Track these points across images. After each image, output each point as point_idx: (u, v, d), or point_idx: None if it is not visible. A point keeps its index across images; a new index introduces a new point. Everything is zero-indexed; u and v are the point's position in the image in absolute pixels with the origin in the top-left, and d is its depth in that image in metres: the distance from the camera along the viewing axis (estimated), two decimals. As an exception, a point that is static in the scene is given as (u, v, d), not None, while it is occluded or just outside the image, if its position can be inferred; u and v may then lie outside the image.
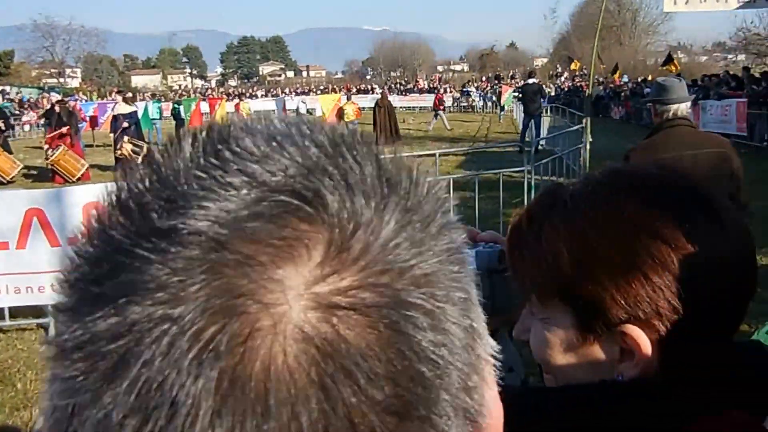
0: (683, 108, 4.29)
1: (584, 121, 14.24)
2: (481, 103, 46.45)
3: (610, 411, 0.74)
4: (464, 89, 54.04)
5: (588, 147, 13.30)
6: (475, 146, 20.68)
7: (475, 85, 60.33)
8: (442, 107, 32.94)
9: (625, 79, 40.44)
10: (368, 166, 0.41)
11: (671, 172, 0.84)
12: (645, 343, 0.75)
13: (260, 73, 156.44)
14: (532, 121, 20.15)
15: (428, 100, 55.02)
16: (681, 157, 3.98)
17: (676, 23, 74.29)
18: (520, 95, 23.27)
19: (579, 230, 0.79)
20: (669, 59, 24.94)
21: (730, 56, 57.48)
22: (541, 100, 20.85)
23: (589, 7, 68.32)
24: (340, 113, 25.28)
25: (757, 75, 21.38)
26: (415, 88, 71.11)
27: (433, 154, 10.15)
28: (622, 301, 0.75)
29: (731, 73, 25.71)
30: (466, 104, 47.94)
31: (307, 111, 29.81)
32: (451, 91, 55.58)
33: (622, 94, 34.93)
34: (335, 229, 0.37)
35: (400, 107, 46.22)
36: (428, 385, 0.37)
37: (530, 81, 21.72)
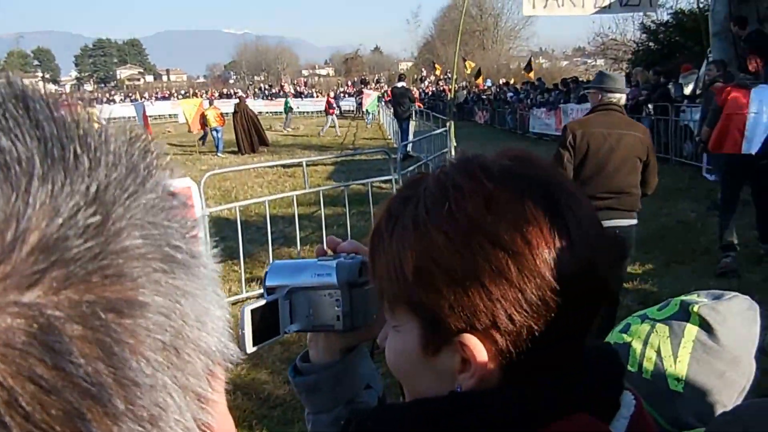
0: (621, 97, 4.94)
1: (448, 125, 14.38)
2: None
3: (454, 425, 0.72)
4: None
5: (453, 151, 13.43)
6: (343, 153, 20.45)
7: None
8: (333, 111, 32.11)
9: (489, 83, 41.56)
10: (29, 141, 0.35)
11: (526, 164, 0.77)
12: (481, 355, 0.72)
13: (118, 77, 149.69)
14: (403, 124, 20.13)
15: (295, 105, 54.53)
16: (609, 134, 4.67)
17: (537, 28, 77.88)
18: (390, 99, 23.32)
19: (423, 231, 0.74)
20: (529, 66, 25.80)
21: (589, 61, 60.53)
22: (410, 104, 20.80)
23: (451, 11, 70.23)
24: (203, 119, 24.27)
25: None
26: (280, 93, 70.25)
27: (300, 164, 9.78)
28: (460, 311, 0.72)
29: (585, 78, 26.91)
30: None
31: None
32: (318, 96, 55.06)
33: (486, 98, 35.82)
34: None
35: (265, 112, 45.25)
36: (88, 419, 0.34)
37: (398, 84, 21.75)
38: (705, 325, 1.30)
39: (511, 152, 0.79)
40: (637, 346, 1.35)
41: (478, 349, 0.72)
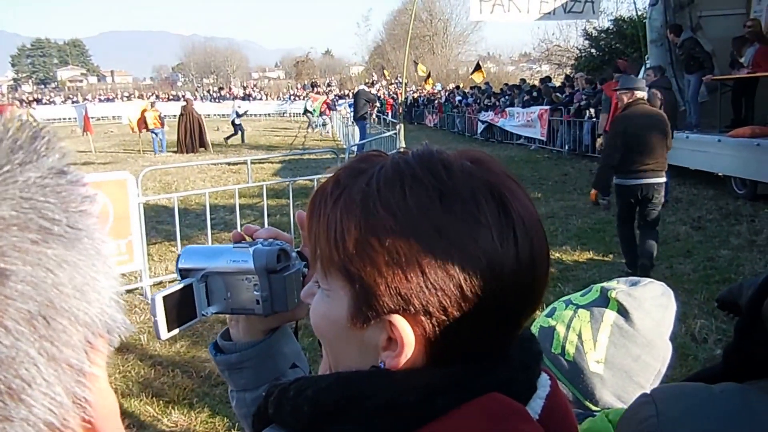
0: (642, 94, 6.98)
1: (398, 127, 14.58)
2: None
3: (372, 400, 0.72)
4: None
5: (401, 152, 13.57)
6: (290, 153, 20.47)
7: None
8: (329, 113, 31.14)
9: (438, 87, 41.88)
10: None
11: (483, 166, 0.77)
12: (408, 338, 0.73)
13: (58, 78, 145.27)
14: (358, 124, 20.69)
15: (243, 107, 54.08)
16: (645, 121, 6.72)
17: (485, 33, 78.25)
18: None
19: (372, 209, 0.73)
20: (477, 67, 26.18)
21: (534, 66, 61.23)
22: (365, 104, 21.16)
23: (402, 15, 70.33)
24: (145, 121, 23.99)
25: (557, 84, 22.83)
26: (229, 95, 69.41)
27: (245, 162, 9.80)
28: (396, 293, 0.72)
29: (533, 83, 27.40)
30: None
31: (240, 114, 27.75)
32: (267, 99, 54.44)
33: (436, 101, 36.13)
34: None
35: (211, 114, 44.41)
36: None
37: (360, 87, 22.40)
38: (622, 310, 1.37)
39: (470, 153, 0.80)
40: (560, 330, 1.41)
41: (406, 332, 0.73)
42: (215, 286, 1.07)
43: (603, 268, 7.45)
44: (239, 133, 26.93)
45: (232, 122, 27.39)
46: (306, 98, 32.14)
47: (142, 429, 4.33)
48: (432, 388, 0.72)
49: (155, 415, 4.49)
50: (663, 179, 6.82)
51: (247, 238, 1.11)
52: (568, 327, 1.41)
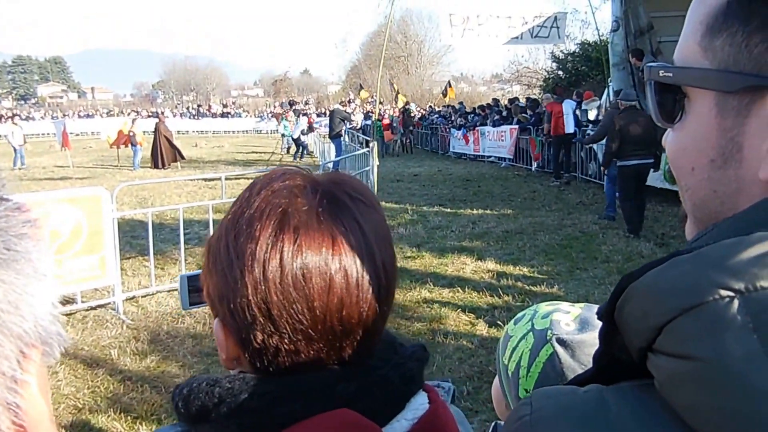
0: (635, 102, 10.20)
1: (371, 145, 14.81)
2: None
3: (225, 406, 0.74)
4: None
5: (375, 170, 13.81)
6: (266, 169, 20.56)
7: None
8: (314, 130, 30.86)
9: (413, 106, 42.23)
10: None
11: (297, 189, 0.79)
12: (220, 340, 0.78)
13: (39, 94, 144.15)
14: (334, 141, 21.19)
15: (220, 124, 54.35)
16: (636, 119, 9.63)
17: (457, 55, 79.07)
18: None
19: (228, 215, 0.82)
20: (445, 90, 27.10)
21: (506, 87, 62.20)
22: (340, 122, 21.50)
23: (378, 37, 70.73)
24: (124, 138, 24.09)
25: (522, 104, 23.27)
26: (208, 113, 69.36)
27: (219, 178, 9.92)
28: (210, 296, 0.80)
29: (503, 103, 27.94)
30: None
31: (305, 132, 27.58)
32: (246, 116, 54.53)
33: (411, 120, 36.43)
34: None
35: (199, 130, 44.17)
36: None
37: (335, 106, 23.02)
38: (554, 355, 1.35)
39: (312, 177, 0.83)
40: (512, 343, 1.43)
41: (218, 333, 0.78)
42: None
43: (570, 283, 7.58)
44: (300, 148, 27.05)
45: (296, 140, 27.22)
46: (281, 118, 30.89)
47: (108, 446, 4.24)
48: (274, 395, 0.74)
49: (123, 431, 4.44)
50: (651, 160, 9.77)
51: None
52: (516, 346, 1.42)
